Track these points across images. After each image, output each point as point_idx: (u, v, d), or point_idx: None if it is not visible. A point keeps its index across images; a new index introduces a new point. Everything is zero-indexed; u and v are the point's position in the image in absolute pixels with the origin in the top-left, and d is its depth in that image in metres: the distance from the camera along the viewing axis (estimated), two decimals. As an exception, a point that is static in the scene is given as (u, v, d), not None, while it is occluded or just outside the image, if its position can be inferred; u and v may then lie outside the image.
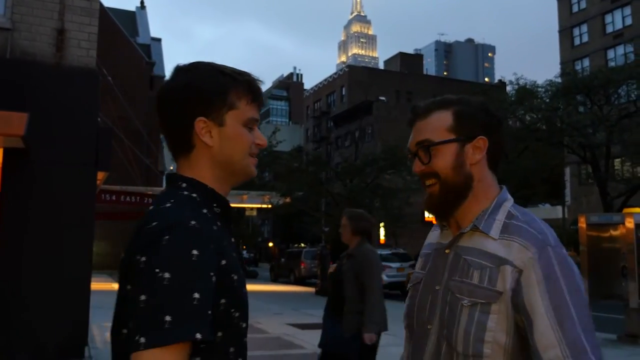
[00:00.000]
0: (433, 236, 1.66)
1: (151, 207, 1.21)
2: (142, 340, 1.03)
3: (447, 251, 1.51)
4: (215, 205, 1.29)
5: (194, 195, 1.25)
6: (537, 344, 1.31)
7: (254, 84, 1.32)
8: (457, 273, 1.44)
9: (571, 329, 1.29)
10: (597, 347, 1.30)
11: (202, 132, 1.26)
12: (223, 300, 1.16)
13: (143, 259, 1.09)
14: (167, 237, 1.10)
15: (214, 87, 1.27)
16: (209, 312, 1.08)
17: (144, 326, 1.04)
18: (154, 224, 1.13)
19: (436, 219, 1.59)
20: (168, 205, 1.18)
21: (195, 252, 1.09)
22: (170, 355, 1.04)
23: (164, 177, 1.31)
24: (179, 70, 1.31)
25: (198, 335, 1.05)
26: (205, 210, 1.24)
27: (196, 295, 1.06)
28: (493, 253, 1.40)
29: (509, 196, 1.51)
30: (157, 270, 1.06)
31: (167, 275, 1.06)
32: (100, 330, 10.24)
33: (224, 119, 1.28)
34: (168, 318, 1.03)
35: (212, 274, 1.11)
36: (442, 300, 1.46)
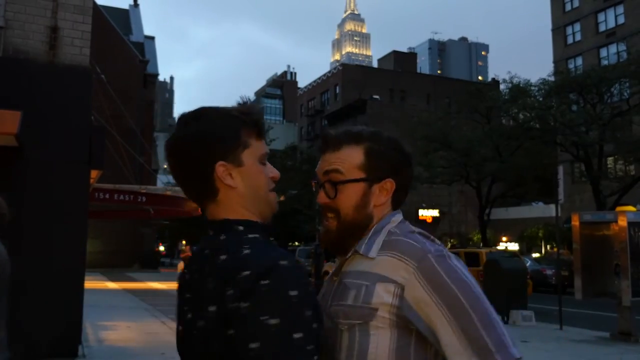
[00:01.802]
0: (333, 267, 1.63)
1: (224, 257, 1.21)
2: None
3: (334, 279, 1.49)
4: (272, 238, 1.31)
5: (257, 235, 1.27)
6: (448, 356, 1.28)
7: (260, 120, 1.36)
8: (337, 298, 1.41)
9: (473, 331, 1.26)
10: (502, 340, 1.26)
11: (224, 175, 1.28)
12: (316, 325, 1.19)
13: (246, 305, 1.13)
14: (265, 282, 1.13)
15: (227, 130, 1.29)
16: (310, 346, 1.14)
17: None
18: (248, 272, 1.15)
19: (332, 252, 1.56)
20: (248, 251, 1.20)
21: (292, 292, 1.14)
22: None
23: (214, 225, 1.30)
24: (186, 119, 1.32)
25: None
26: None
27: (298, 335, 1.12)
28: (370, 271, 1.37)
29: (396, 217, 1.48)
30: (262, 317, 1.11)
31: (272, 321, 1.11)
32: (94, 329, 10.21)
33: (241, 159, 1.30)
34: None
35: (309, 309, 1.16)
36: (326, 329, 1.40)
